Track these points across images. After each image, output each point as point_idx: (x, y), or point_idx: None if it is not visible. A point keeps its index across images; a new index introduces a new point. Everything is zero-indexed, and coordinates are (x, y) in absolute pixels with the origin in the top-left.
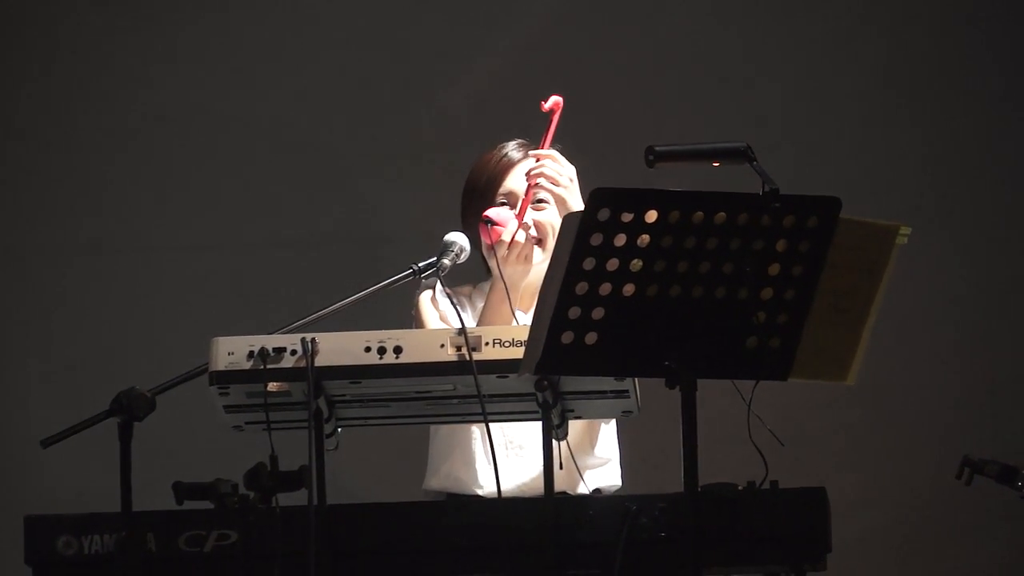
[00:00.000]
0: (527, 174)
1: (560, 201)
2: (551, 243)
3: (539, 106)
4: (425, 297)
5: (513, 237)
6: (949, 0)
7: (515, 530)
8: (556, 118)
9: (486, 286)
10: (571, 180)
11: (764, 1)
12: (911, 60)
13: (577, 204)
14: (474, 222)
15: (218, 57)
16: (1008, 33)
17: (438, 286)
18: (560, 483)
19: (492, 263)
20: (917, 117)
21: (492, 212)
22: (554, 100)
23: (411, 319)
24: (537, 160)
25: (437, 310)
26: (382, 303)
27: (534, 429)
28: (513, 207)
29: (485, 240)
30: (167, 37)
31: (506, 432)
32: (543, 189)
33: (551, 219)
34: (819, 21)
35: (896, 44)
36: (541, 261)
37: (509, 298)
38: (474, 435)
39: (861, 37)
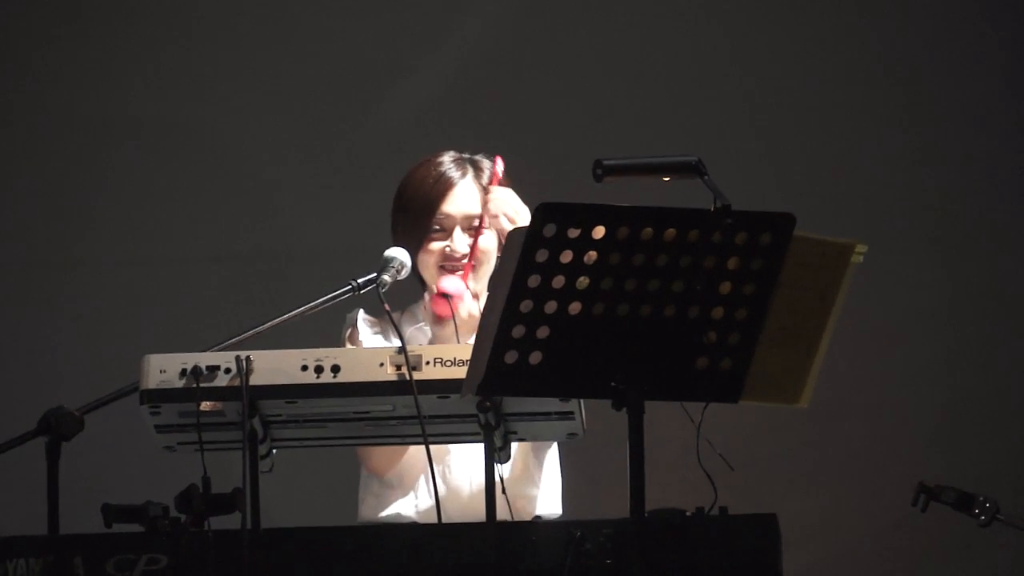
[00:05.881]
0: (485, 205)
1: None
2: (488, 268)
3: (479, 120)
4: (347, 334)
5: (470, 312)
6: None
7: (456, 557)
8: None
9: (415, 309)
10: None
11: (720, 11)
12: (871, 72)
13: None
14: (406, 240)
15: (146, 71)
16: (972, 43)
17: (360, 315)
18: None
19: (441, 329)
20: (877, 133)
21: (448, 285)
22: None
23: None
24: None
25: (355, 343)
26: (320, 320)
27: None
28: (450, 231)
29: (439, 312)
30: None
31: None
32: (497, 222)
33: (488, 244)
34: (775, 32)
35: (855, 55)
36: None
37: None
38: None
39: (817, 50)
